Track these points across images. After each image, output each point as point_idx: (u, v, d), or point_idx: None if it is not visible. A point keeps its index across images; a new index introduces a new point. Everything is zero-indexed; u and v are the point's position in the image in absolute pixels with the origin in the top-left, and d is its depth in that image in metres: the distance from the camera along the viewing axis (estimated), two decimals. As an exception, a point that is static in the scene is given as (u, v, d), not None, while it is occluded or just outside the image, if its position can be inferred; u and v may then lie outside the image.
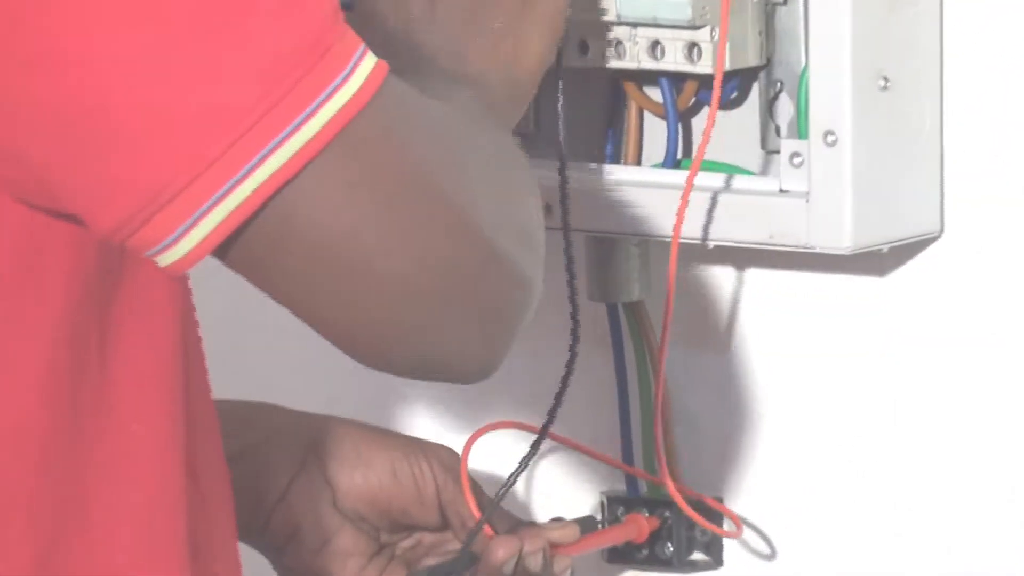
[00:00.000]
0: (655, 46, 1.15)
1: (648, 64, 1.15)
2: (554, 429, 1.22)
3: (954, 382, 1.25)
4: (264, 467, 1.20)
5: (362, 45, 0.92)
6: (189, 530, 1.03)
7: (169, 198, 0.89)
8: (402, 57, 1.11)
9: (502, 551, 1.16)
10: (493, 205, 0.98)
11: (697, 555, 1.23)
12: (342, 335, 0.95)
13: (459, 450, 1.22)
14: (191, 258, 0.90)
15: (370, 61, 0.91)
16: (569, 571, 1.18)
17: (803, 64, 1.16)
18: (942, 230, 1.19)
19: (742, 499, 1.25)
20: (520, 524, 1.19)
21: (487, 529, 1.18)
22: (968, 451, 1.25)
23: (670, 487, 1.18)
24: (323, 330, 0.95)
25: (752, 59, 1.14)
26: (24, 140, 0.92)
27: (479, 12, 1.13)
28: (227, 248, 0.91)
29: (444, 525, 1.18)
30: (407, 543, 1.19)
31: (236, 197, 0.89)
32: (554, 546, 1.17)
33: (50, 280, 0.98)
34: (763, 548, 1.25)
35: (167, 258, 0.89)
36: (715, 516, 1.20)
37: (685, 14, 1.13)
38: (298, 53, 0.90)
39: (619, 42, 1.16)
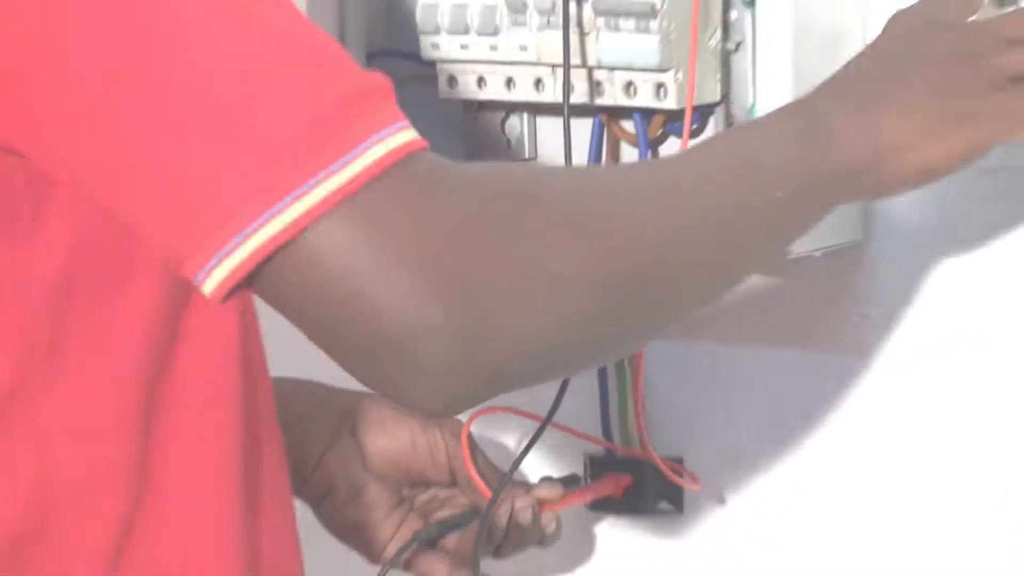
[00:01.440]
0: (629, 86, 1.23)
1: (623, 101, 1.24)
2: (546, 402, 1.31)
3: (895, 365, 1.30)
4: (306, 435, 1.32)
5: (385, 128, 0.98)
6: (247, 489, 1.13)
7: (193, 249, 0.98)
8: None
9: (493, 508, 1.27)
10: (486, 279, 0.99)
11: (663, 504, 1.34)
12: (369, 370, 1.00)
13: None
14: (220, 290, 0.98)
15: (390, 142, 0.97)
16: (555, 523, 1.29)
17: (752, 101, 1.25)
18: (865, 237, 1.28)
19: (698, 459, 1.34)
20: (514, 484, 1.30)
21: (478, 482, 1.28)
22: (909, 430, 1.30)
23: (646, 448, 1.29)
24: (348, 363, 1.00)
25: (710, 97, 1.22)
26: (91, 188, 1.02)
27: (943, 96, 1.15)
28: (252, 283, 0.98)
29: (454, 483, 1.30)
30: (424, 497, 1.31)
31: (250, 243, 0.97)
32: (542, 503, 1.28)
33: (143, 279, 1.09)
34: (715, 498, 1.35)
35: (207, 287, 0.99)
36: (676, 472, 1.32)
37: (655, 60, 1.20)
38: (306, 135, 0.96)
39: (599, 83, 1.25)
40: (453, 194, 0.99)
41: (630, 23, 1.21)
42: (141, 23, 0.97)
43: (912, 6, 1.17)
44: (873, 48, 1.17)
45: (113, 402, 1.10)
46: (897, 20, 1.17)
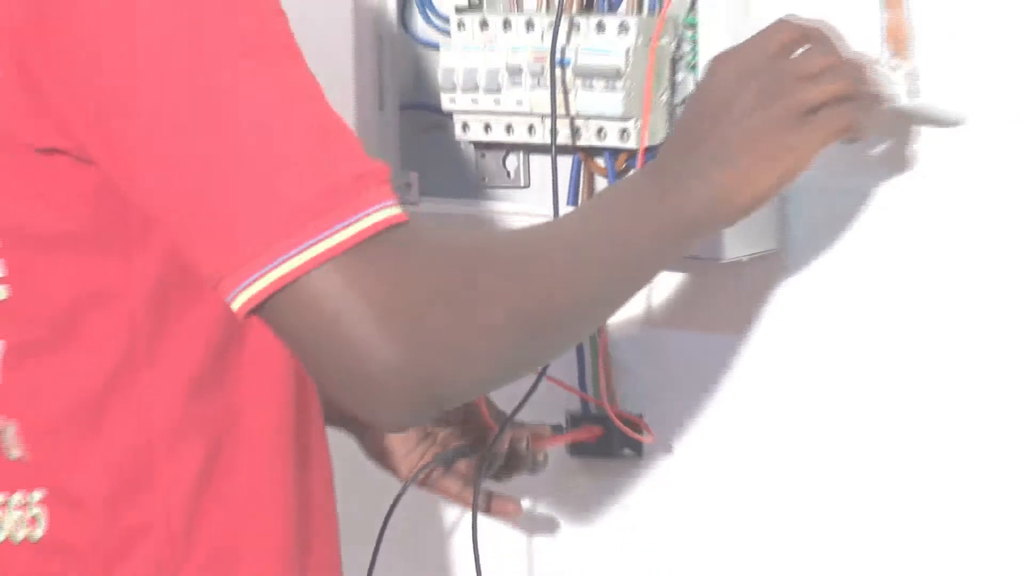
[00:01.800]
0: (600, 131, 1.37)
1: (596, 143, 1.38)
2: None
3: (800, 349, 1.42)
4: None
5: (383, 200, 1.09)
6: (299, 445, 1.27)
7: (227, 275, 1.10)
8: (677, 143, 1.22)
9: (499, 438, 1.44)
10: (435, 332, 1.09)
11: (626, 450, 1.51)
12: (342, 386, 1.11)
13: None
14: (244, 309, 1.09)
15: (383, 210, 1.09)
16: (542, 456, 1.46)
17: None
18: (780, 246, 1.41)
19: (654, 417, 1.50)
20: (513, 424, 1.46)
21: (488, 422, 1.43)
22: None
23: (608, 409, 1.45)
24: (326, 379, 1.12)
25: (661, 138, 1.37)
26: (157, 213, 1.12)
27: (752, 145, 1.22)
28: (268, 313, 1.10)
29: (467, 422, 1.47)
30: (443, 433, 1.48)
31: (262, 279, 1.08)
32: (534, 439, 1.46)
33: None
34: (666, 447, 1.52)
35: (235, 306, 1.10)
36: (636, 427, 1.48)
37: (619, 111, 1.34)
38: (321, 200, 1.08)
39: (578, 129, 1.38)
40: (417, 262, 1.09)
41: (601, 83, 1.34)
42: (205, 94, 1.09)
43: (730, 51, 1.24)
44: (699, 102, 1.24)
45: (196, 372, 1.23)
46: (715, 69, 1.24)
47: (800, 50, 1.23)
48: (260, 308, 1.09)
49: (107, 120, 1.11)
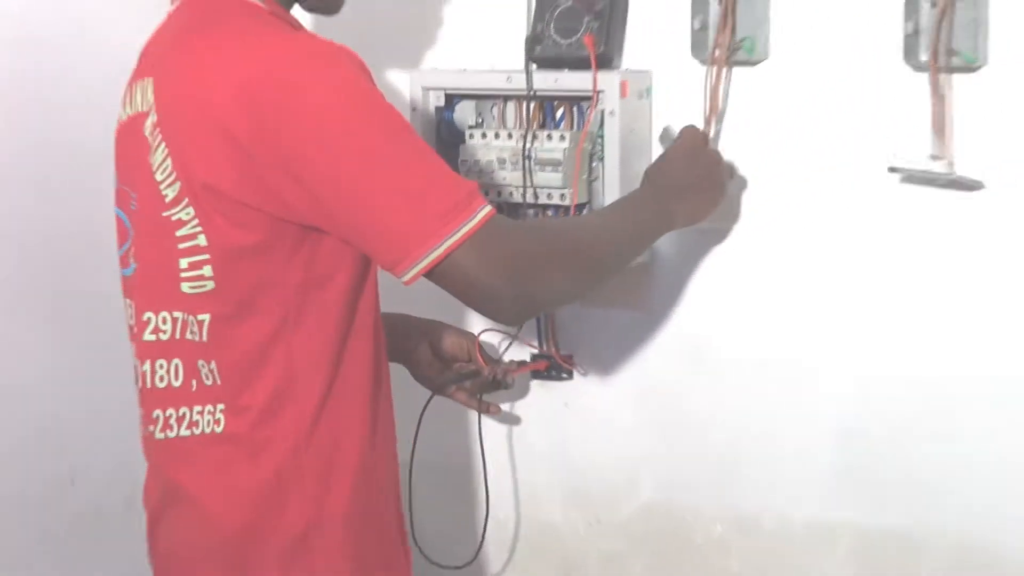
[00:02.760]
0: (549, 195, 1.81)
1: (547, 202, 1.81)
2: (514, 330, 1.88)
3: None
4: (408, 337, 1.87)
5: (483, 204, 1.42)
6: (376, 376, 1.60)
7: (402, 260, 1.42)
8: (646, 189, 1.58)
9: (487, 369, 1.83)
10: (534, 267, 1.44)
11: (564, 375, 1.95)
12: (479, 309, 1.46)
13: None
14: (413, 279, 1.43)
15: (484, 210, 1.42)
16: (512, 379, 1.87)
17: (602, 202, 1.81)
18: (650, 260, 1.83)
19: (581, 356, 1.94)
20: (497, 361, 1.87)
21: (481, 361, 1.81)
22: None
23: (553, 352, 1.92)
24: (471, 306, 1.46)
25: (583, 200, 1.79)
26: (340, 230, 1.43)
27: (687, 188, 1.60)
28: (431, 276, 1.44)
29: (471, 360, 1.86)
30: (457, 365, 1.88)
31: (427, 259, 1.42)
32: (508, 369, 1.86)
33: (341, 276, 1.53)
34: (583, 372, 1.94)
35: (405, 278, 1.43)
36: (569, 361, 1.94)
37: (559, 184, 1.78)
38: (451, 210, 1.42)
39: (537, 194, 1.82)
40: (512, 238, 1.44)
41: (550, 168, 1.78)
42: (379, 160, 1.40)
43: (681, 140, 1.64)
44: (668, 163, 1.64)
45: (322, 336, 1.53)
46: (676, 148, 1.65)
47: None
48: (429, 274, 1.44)
49: (316, 188, 1.43)
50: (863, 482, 1.80)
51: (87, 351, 2.08)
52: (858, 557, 1.83)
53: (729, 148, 1.78)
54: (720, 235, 1.81)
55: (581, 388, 2.01)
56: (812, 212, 1.77)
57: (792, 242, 1.82)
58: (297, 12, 1.62)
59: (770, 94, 1.80)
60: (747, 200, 1.81)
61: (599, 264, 1.54)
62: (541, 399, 2.04)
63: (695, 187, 1.66)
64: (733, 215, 1.80)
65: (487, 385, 1.88)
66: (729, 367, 1.86)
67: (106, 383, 2.02)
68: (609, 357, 1.99)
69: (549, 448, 2.02)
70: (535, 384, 2.04)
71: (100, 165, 1.77)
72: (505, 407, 2.01)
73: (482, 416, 1.96)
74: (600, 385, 2.00)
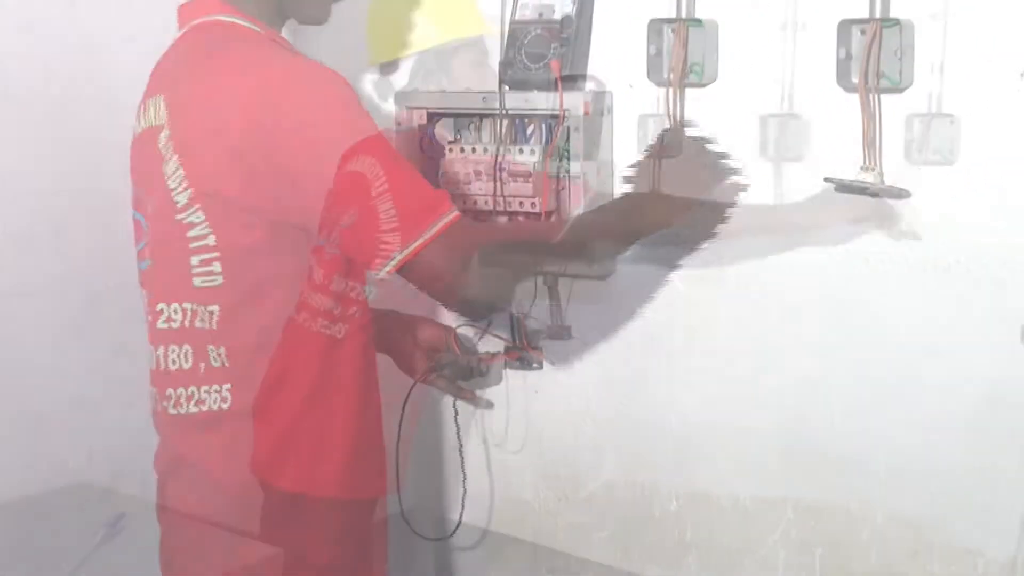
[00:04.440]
0: (520, 203, 1.93)
1: (519, 210, 1.92)
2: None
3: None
4: (393, 330, 1.96)
5: (452, 206, 1.52)
6: (367, 374, 1.73)
7: (377, 257, 1.52)
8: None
9: (463, 358, 1.95)
10: (457, 266, 1.52)
11: (534, 364, 2.07)
12: (440, 301, 1.60)
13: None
14: (388, 273, 1.54)
15: (452, 212, 1.53)
16: (487, 368, 1.99)
17: (570, 213, 1.94)
18: (610, 272, 1.94)
19: (550, 347, 2.06)
20: (473, 352, 1.99)
21: (457, 350, 1.91)
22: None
23: (524, 344, 2.05)
24: (435, 299, 1.57)
25: (551, 208, 1.92)
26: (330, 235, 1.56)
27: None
28: (404, 272, 1.55)
29: (450, 351, 1.97)
30: (437, 355, 1.99)
31: (401, 255, 1.52)
32: (482, 360, 1.99)
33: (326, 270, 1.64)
34: (551, 362, 2.03)
35: (380, 274, 1.54)
36: (538, 352, 2.07)
37: (530, 194, 1.90)
38: (425, 209, 1.53)
39: (509, 203, 1.92)
40: (460, 242, 1.55)
41: (520, 179, 1.90)
42: (359, 174, 1.49)
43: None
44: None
45: (320, 322, 1.64)
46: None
47: None
48: (401, 269, 1.55)
49: (311, 202, 1.55)
50: (803, 463, 1.93)
51: (114, 338, 2.20)
52: (799, 528, 1.96)
53: (685, 161, 1.89)
54: (675, 240, 1.93)
55: (550, 377, 2.15)
56: (756, 216, 1.89)
57: (739, 246, 1.92)
58: (292, 24, 1.77)
59: (718, 112, 1.93)
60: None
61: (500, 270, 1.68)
62: (514, 387, 2.18)
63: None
64: (690, 221, 1.90)
65: (464, 373, 2.02)
66: (684, 360, 2.00)
67: (127, 367, 2.08)
68: (575, 349, 2.13)
69: (521, 431, 2.14)
70: (508, 373, 2.18)
71: (119, 173, 1.88)
72: (480, 393, 2.16)
73: (459, 401, 2.10)
74: (567, 374, 2.14)
